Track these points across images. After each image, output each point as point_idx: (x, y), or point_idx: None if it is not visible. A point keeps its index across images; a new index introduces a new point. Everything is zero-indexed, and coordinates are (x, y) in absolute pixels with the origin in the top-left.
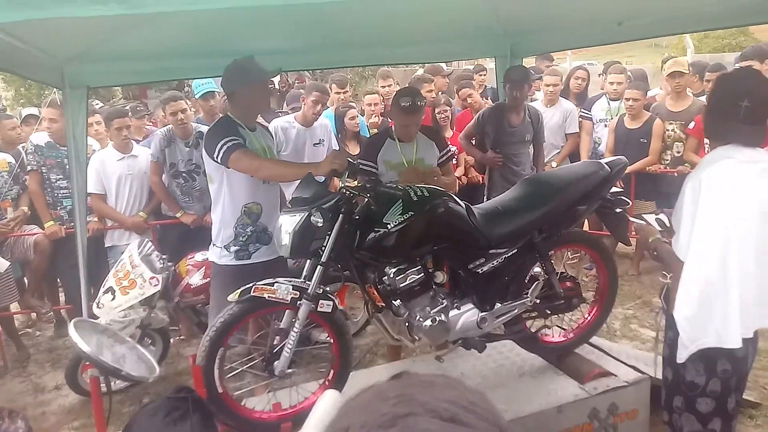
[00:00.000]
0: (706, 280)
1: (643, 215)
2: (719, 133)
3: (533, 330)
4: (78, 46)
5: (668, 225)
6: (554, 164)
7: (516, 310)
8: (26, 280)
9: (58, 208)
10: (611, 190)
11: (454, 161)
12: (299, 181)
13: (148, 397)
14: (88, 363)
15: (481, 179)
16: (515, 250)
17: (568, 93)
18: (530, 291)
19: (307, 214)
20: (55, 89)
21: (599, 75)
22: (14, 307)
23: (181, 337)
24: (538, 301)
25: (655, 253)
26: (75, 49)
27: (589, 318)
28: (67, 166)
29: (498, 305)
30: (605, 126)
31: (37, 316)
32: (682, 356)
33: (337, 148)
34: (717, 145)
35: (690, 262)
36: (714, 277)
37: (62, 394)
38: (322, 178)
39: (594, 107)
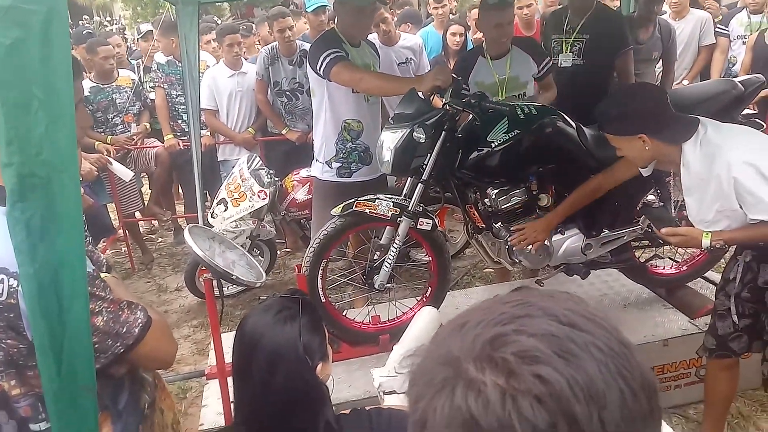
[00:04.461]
0: None
1: (647, 220)
2: None
3: (642, 260)
4: None
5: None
6: (686, 82)
7: (625, 238)
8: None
9: (179, 121)
10: (743, 112)
11: None
12: (402, 97)
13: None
14: (203, 268)
15: None
16: None
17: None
18: (641, 218)
19: (409, 130)
20: (168, 5)
21: None
22: (138, 215)
23: (287, 250)
24: (649, 229)
25: (723, 246)
26: None
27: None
28: None
29: (605, 232)
30: (743, 43)
31: (159, 224)
32: None
33: (428, 68)
34: None
35: None
36: None
37: (182, 295)
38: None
39: (732, 22)
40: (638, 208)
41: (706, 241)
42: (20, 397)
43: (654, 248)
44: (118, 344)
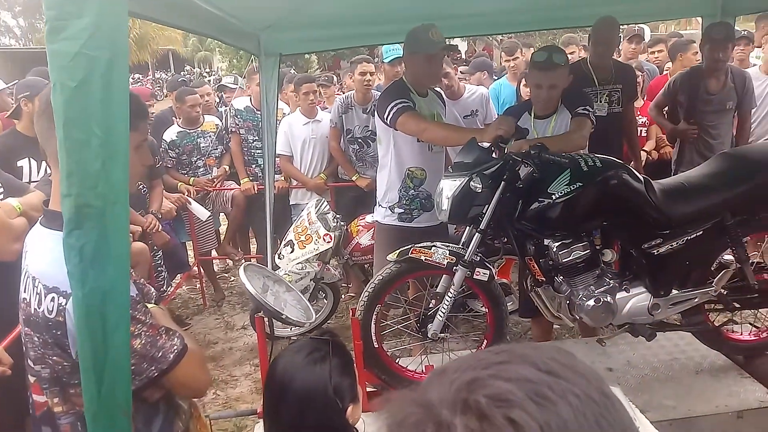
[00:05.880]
0: None
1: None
2: None
3: (716, 324)
4: (272, 15)
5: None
6: None
7: (696, 299)
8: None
9: (253, 166)
10: None
11: (644, 134)
12: (462, 147)
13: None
14: None
15: None
16: (700, 233)
17: None
18: (716, 279)
19: (466, 179)
20: (253, 56)
21: None
22: (214, 253)
23: (351, 294)
24: (724, 291)
25: None
26: (269, 19)
27: None
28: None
29: (675, 292)
30: None
31: (232, 263)
32: None
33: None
34: None
35: None
36: None
37: (247, 333)
38: (487, 144)
39: None
40: (712, 269)
41: None
42: (62, 415)
43: (729, 312)
44: (153, 368)
